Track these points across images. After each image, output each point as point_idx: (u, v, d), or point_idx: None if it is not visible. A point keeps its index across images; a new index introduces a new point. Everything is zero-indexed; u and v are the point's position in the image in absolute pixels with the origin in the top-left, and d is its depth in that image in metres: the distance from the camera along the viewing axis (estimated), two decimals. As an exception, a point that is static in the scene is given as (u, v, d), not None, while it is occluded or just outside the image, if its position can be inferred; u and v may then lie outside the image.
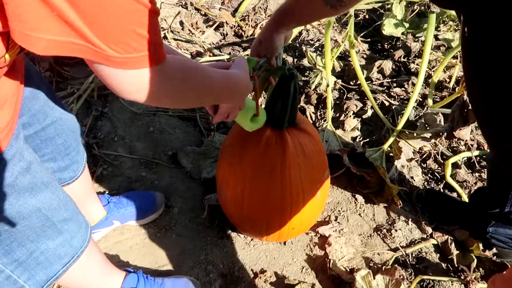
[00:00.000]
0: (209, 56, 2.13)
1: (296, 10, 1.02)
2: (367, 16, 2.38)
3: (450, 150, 1.73)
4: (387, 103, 1.85)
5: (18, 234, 0.76)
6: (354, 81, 1.93)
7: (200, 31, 2.27)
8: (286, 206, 1.19)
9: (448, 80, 1.98)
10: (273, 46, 1.07)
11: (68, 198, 0.89)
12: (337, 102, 1.90)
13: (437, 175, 1.66)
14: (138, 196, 1.45)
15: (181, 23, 2.20)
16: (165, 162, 1.65)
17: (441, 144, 1.70)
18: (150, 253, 1.39)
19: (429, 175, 1.67)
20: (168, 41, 2.13)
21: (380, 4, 2.23)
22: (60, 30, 0.50)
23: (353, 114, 1.80)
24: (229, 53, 2.18)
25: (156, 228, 1.46)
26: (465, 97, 1.50)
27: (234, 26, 2.33)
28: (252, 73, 0.98)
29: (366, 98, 1.85)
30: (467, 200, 1.52)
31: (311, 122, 1.79)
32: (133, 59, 0.57)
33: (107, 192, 1.54)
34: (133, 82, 0.60)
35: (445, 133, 1.53)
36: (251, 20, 2.35)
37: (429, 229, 1.47)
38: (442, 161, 1.70)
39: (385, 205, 1.55)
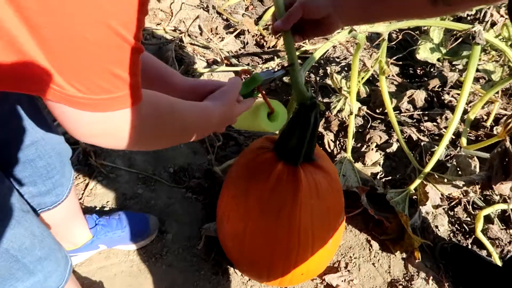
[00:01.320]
0: (226, 65, 1.98)
1: None
2: (400, 37, 2.20)
3: (482, 200, 1.54)
4: (415, 138, 1.67)
5: None
6: (380, 109, 1.75)
7: (219, 37, 2.13)
8: (292, 251, 1.04)
9: (485, 117, 1.79)
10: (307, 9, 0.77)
11: (46, 233, 0.77)
12: (360, 130, 1.73)
13: (466, 227, 1.47)
14: (130, 218, 1.31)
15: (200, 27, 2.06)
16: (165, 179, 1.51)
17: (473, 191, 1.51)
18: (135, 284, 1.25)
19: (456, 226, 1.49)
20: (184, 45, 1.99)
21: (416, 27, 2.05)
22: (5, 53, 0.38)
23: (376, 146, 1.63)
24: (248, 64, 2.03)
25: (145, 255, 1.31)
26: (508, 143, 1.31)
27: (256, 35, 2.18)
28: (257, 88, 0.84)
29: (392, 129, 1.68)
30: (499, 262, 1.33)
31: (329, 151, 1.63)
32: (101, 101, 0.44)
33: (98, 207, 1.41)
34: (95, 125, 0.48)
35: (480, 182, 1.35)
36: (275, 31, 2.19)
37: (452, 292, 1.30)
38: (472, 212, 1.51)
39: (404, 256, 1.38)
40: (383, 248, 1.40)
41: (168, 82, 0.76)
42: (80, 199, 1.42)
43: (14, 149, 0.82)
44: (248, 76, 0.86)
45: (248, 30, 2.14)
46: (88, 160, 1.50)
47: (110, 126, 0.49)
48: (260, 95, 0.87)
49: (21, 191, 0.89)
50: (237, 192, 1.08)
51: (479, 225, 1.39)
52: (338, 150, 1.63)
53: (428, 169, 1.44)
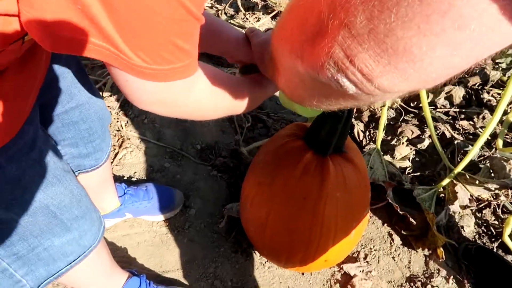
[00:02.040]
0: (260, 46, 1.96)
1: None
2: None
3: (513, 204, 1.49)
4: (448, 135, 1.62)
5: (20, 228, 0.68)
6: (415, 102, 1.70)
7: (256, 18, 2.10)
8: (313, 241, 1.04)
9: (525, 120, 1.71)
10: None
11: (83, 193, 0.80)
12: (391, 123, 1.69)
13: (493, 230, 1.44)
14: (157, 190, 1.34)
15: (237, 6, 2.04)
16: (192, 155, 1.53)
17: (504, 195, 1.47)
18: (157, 254, 1.29)
19: (483, 228, 1.45)
20: (219, 23, 1.98)
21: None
22: (78, 19, 0.40)
23: (407, 140, 1.59)
24: (282, 46, 2.00)
25: (168, 227, 1.35)
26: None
27: (293, 17, 2.14)
28: None
29: (425, 125, 1.63)
30: (524, 269, 1.30)
31: (358, 141, 1.60)
32: (163, 71, 0.46)
33: (126, 177, 1.45)
34: (155, 94, 0.51)
35: (514, 187, 1.30)
36: (312, 14, 2.15)
37: (472, 294, 1.27)
38: (501, 215, 1.47)
39: (426, 253, 1.36)
40: (405, 243, 1.38)
41: (222, 35, 0.76)
42: (110, 167, 1.46)
43: (60, 110, 0.85)
44: None
45: (285, 11, 2.10)
46: (119, 130, 1.54)
47: (169, 95, 0.52)
48: None
49: (62, 152, 0.93)
50: (263, 178, 1.07)
51: (508, 229, 1.34)
52: (367, 142, 1.60)
53: (459, 168, 1.40)
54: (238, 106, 0.69)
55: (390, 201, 1.33)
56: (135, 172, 1.47)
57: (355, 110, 1.67)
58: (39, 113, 0.73)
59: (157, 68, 0.45)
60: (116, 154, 1.49)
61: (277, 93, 0.90)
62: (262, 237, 1.12)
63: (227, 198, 1.44)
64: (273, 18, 2.12)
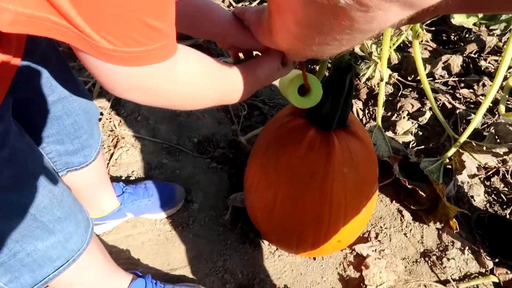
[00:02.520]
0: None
1: None
2: (432, 2, 2.08)
3: (521, 169, 1.46)
4: (449, 106, 1.58)
5: None
6: (412, 76, 1.67)
7: (242, 5, 2.05)
8: (324, 221, 1.00)
9: (525, 84, 1.68)
10: None
11: (66, 193, 0.75)
12: (390, 99, 1.66)
13: (503, 197, 1.40)
14: (157, 187, 1.29)
15: (223, -5, 2.00)
16: (190, 149, 1.49)
17: (511, 160, 1.43)
18: (162, 253, 1.24)
19: (493, 196, 1.42)
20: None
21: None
22: (36, 1, 0.35)
23: (407, 115, 1.56)
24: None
25: (172, 224, 1.30)
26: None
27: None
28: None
29: (425, 97, 1.60)
30: (540, 233, 1.27)
31: (358, 119, 1.57)
32: (135, 55, 0.41)
33: (123, 177, 1.40)
34: (131, 80, 0.45)
35: (522, 150, 1.27)
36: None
37: (489, 263, 1.24)
38: (511, 181, 1.44)
39: (438, 226, 1.32)
40: (416, 218, 1.35)
41: (212, 15, 0.71)
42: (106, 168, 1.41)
43: (40, 106, 0.80)
44: None
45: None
46: (113, 130, 1.49)
47: (147, 81, 0.46)
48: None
49: (48, 149, 0.88)
50: (266, 160, 1.03)
51: (519, 195, 1.32)
52: (368, 119, 1.57)
53: (464, 137, 1.36)
54: (229, 94, 0.65)
55: (397, 176, 1.30)
56: (133, 171, 1.42)
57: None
58: (18, 109, 0.69)
59: (128, 50, 0.40)
60: (111, 155, 1.45)
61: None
62: (271, 223, 1.08)
63: (229, 189, 1.39)
64: (259, 3, 2.08)
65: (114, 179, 1.39)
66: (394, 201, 1.39)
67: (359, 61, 1.74)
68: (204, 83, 0.57)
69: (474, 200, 1.40)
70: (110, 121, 1.50)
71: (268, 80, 0.72)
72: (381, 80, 1.49)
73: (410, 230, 1.33)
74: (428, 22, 1.86)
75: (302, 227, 1.03)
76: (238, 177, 1.41)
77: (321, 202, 0.97)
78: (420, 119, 1.56)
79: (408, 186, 1.30)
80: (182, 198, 1.32)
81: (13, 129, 0.63)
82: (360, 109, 1.58)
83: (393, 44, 1.60)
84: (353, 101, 1.59)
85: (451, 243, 1.29)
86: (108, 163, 1.43)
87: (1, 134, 0.59)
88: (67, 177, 0.97)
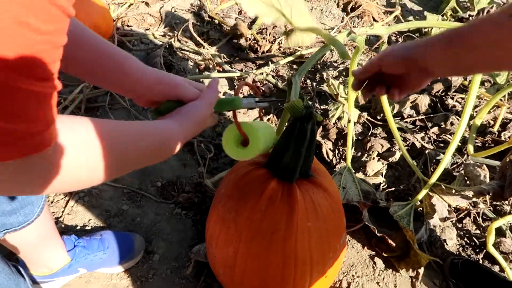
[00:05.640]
0: (218, 71, 1.89)
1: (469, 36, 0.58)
2: (400, 39, 2.12)
3: (492, 211, 1.44)
4: (419, 145, 1.57)
5: None
6: (381, 115, 1.66)
7: (211, 43, 2.03)
8: (288, 280, 0.94)
9: (492, 122, 1.69)
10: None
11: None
12: (360, 138, 1.63)
13: (476, 240, 1.37)
14: (114, 238, 1.20)
15: (191, 32, 1.97)
16: (152, 194, 1.41)
17: (482, 202, 1.41)
18: (118, 312, 1.14)
19: (465, 239, 1.39)
20: (173, 51, 1.90)
21: (417, 29, 1.96)
22: None
23: (377, 155, 1.53)
24: (241, 70, 1.94)
25: (130, 278, 1.21)
26: (520, 151, 1.22)
27: (250, 39, 2.09)
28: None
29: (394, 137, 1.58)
30: (514, 280, 1.23)
31: (328, 160, 1.53)
32: None
33: (79, 226, 1.30)
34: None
35: (491, 193, 1.25)
36: (269, 35, 2.10)
37: (464, 314, 1.19)
38: (482, 224, 1.41)
39: (411, 274, 1.27)
40: (388, 266, 1.29)
41: (121, 68, 0.64)
42: (60, 217, 1.31)
43: None
44: (249, 94, 0.78)
45: (241, 34, 2.05)
46: (70, 175, 1.40)
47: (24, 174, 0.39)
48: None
49: None
50: (226, 213, 0.97)
51: (491, 239, 1.28)
52: (338, 160, 1.53)
53: (433, 179, 1.34)
54: (160, 148, 0.58)
55: (366, 223, 1.25)
56: (90, 220, 1.32)
57: (321, 129, 1.61)
58: None
59: None
60: (67, 202, 1.35)
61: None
62: (232, 280, 1.00)
63: (193, 237, 1.31)
64: (228, 41, 2.07)
65: (69, 229, 1.29)
66: (365, 247, 1.33)
67: (328, 100, 1.72)
68: (91, 160, 0.45)
69: (447, 244, 1.36)
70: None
71: (205, 124, 0.70)
72: (349, 121, 1.46)
73: (383, 278, 1.27)
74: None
75: (265, 286, 0.95)
76: (203, 224, 1.34)
77: (285, 260, 0.90)
78: (390, 159, 1.53)
79: (378, 234, 1.25)
80: (141, 249, 1.23)
81: None
82: (330, 149, 1.54)
83: (361, 84, 1.59)
84: (322, 141, 1.56)
85: (425, 292, 1.24)
86: (63, 211, 1.33)
87: None
88: (7, 237, 0.88)
